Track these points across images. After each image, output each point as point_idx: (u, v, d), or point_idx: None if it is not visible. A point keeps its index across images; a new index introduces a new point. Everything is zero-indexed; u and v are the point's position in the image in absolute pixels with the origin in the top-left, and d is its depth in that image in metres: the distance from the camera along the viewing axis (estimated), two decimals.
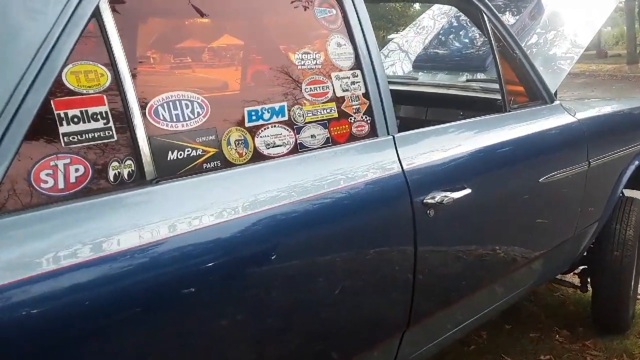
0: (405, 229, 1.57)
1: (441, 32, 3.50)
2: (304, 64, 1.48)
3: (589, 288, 2.82)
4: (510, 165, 1.97)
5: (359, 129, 1.57)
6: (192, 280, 1.12)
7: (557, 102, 2.40)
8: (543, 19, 3.38)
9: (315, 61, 1.50)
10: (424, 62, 3.31)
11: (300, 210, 1.35)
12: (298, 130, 1.43)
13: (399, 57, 3.57)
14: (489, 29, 2.13)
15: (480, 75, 2.94)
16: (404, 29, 4.20)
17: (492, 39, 2.13)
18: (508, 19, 3.42)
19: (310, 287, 1.38)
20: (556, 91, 2.92)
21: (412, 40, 3.62)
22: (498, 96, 2.18)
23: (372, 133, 1.60)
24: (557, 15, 3.24)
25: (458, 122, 1.94)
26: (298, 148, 1.43)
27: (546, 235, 2.28)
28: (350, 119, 1.56)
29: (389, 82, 3.07)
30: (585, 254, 2.73)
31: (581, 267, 2.86)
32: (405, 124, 2.87)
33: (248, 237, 1.24)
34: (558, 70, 2.95)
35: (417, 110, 2.87)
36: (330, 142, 1.50)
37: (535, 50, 3.14)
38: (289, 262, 1.33)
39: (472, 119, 1.99)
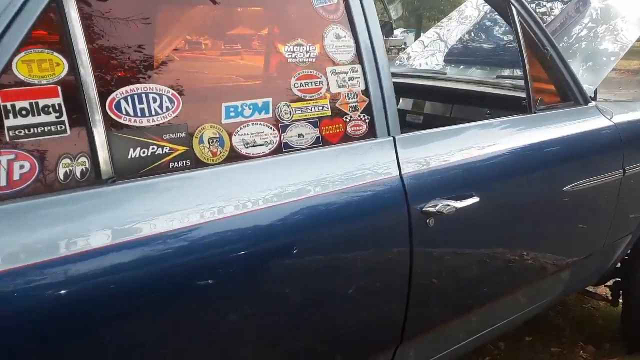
0: (401, 239, 1.45)
1: (477, 24, 3.32)
2: (295, 57, 1.37)
3: (620, 302, 2.64)
4: (529, 172, 1.81)
5: (355, 128, 1.46)
6: (144, 290, 1.04)
7: (592, 104, 2.22)
8: (589, 12, 3.16)
9: (308, 54, 1.39)
10: (455, 56, 3.14)
11: (279, 216, 1.25)
12: (283, 129, 1.33)
13: (439, 47, 3.41)
14: (516, 21, 1.96)
15: (514, 72, 2.76)
16: None
17: (519, 32, 1.96)
18: (553, 9, 3.22)
19: (286, 301, 1.29)
20: (596, 90, 2.72)
21: (453, 30, 3.45)
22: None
23: (370, 133, 1.48)
24: (603, 8, 3.02)
25: (473, 124, 1.79)
26: (282, 148, 1.32)
27: (568, 248, 2.11)
28: (346, 118, 1.44)
29: (417, 77, 2.96)
30: (618, 265, 2.54)
31: (613, 280, 2.67)
32: (428, 121, 2.74)
33: (216, 245, 1.15)
34: (600, 68, 2.74)
35: (443, 107, 2.72)
36: (321, 142, 1.39)
37: (577, 46, 2.94)
38: (264, 274, 1.23)
39: (490, 120, 1.84)
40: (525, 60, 1.94)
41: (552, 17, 3.14)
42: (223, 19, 1.27)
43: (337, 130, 1.43)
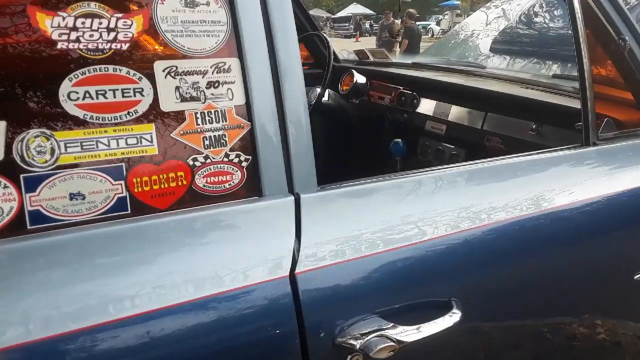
0: None
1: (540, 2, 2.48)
2: (77, 40, 0.69)
3: None
4: (568, 255, 1.04)
5: (217, 179, 0.77)
6: None
7: None
8: None
9: (112, 35, 0.71)
10: (504, 44, 2.35)
11: None
12: (32, 185, 0.66)
13: (498, 27, 2.61)
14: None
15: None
16: None
17: (577, 12, 1.19)
18: None
19: None
20: None
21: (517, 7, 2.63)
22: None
23: (249, 190, 0.79)
24: None
25: (462, 167, 1.02)
26: (27, 224, 0.65)
27: None
28: (194, 161, 0.75)
29: (447, 70, 2.20)
30: None
31: None
32: (451, 133, 1.99)
33: None
34: None
35: (474, 115, 1.94)
36: (129, 209, 0.71)
37: None
38: None
39: (494, 161, 1.07)
40: (584, 58, 1.17)
41: None
42: None
43: (172, 184, 0.74)
